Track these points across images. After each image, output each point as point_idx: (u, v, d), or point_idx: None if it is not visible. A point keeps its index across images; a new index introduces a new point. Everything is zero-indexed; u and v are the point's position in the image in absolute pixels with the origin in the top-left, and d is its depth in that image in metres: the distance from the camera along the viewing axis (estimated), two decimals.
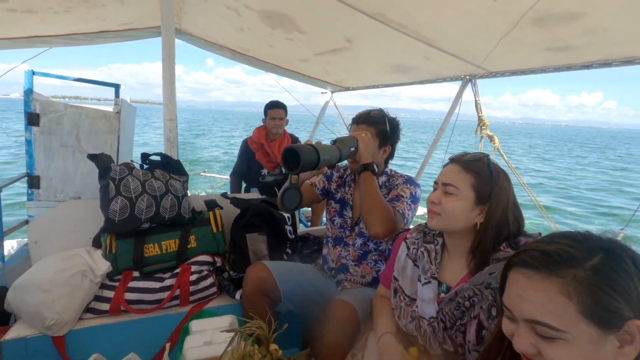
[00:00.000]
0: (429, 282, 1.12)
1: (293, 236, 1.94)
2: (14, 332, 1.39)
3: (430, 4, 1.43)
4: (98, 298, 1.52)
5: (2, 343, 1.35)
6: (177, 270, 1.62)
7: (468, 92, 2.36)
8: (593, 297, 0.52)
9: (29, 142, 3.07)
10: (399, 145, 1.64)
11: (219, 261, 1.75)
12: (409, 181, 1.54)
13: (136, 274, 1.58)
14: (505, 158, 2.42)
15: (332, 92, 3.91)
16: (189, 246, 1.68)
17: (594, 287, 0.52)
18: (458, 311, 1.05)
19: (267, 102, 2.98)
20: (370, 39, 1.97)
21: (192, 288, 1.61)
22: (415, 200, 1.49)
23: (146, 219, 1.60)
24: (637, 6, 1.09)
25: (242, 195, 2.04)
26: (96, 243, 1.72)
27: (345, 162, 1.54)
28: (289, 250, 1.88)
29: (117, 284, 1.54)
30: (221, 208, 1.86)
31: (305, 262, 1.85)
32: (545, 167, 21.04)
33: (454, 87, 2.57)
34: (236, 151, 3.32)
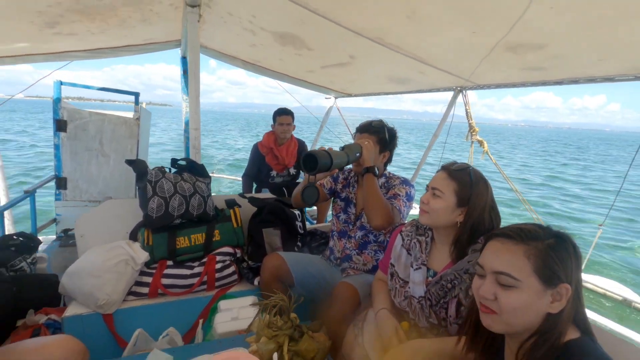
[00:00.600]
0: (420, 268, 1.37)
1: (303, 231, 2.21)
2: (71, 310, 1.66)
3: (419, 32, 1.69)
4: (138, 283, 1.78)
5: (63, 319, 1.62)
6: (204, 259, 1.89)
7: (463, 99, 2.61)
8: (543, 262, 0.77)
9: (57, 147, 3.36)
10: (402, 151, 1.90)
11: (238, 252, 2.02)
12: (405, 182, 1.80)
13: (170, 262, 1.84)
14: (494, 160, 2.67)
15: (336, 98, 4.16)
16: (213, 239, 1.94)
17: (546, 255, 0.77)
18: (442, 291, 1.30)
19: (268, 103, 3.30)
20: (371, 56, 2.23)
21: (217, 275, 1.88)
22: (410, 198, 1.75)
23: (178, 215, 1.86)
24: (584, 40, 1.35)
25: (258, 195, 2.30)
26: (133, 236, 1.98)
27: (350, 165, 1.79)
28: (299, 243, 2.14)
29: (154, 271, 1.81)
30: (240, 206, 2.12)
31: (313, 254, 2.11)
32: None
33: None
34: (240, 153, 3.57)
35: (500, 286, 0.80)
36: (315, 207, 3.69)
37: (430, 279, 1.35)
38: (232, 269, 1.94)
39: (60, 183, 3.39)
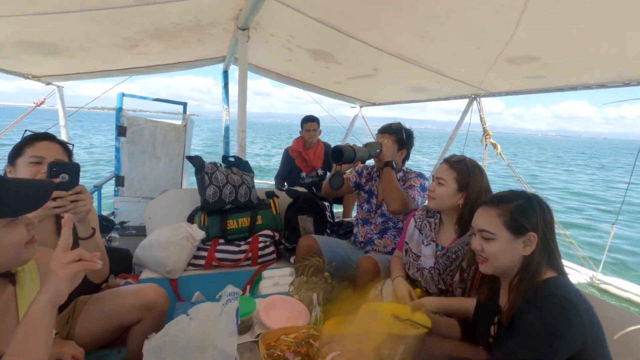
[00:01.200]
0: (430, 244, 1.67)
1: (331, 220, 2.53)
2: (145, 275, 2.05)
3: (433, 48, 2.01)
4: (196, 256, 2.16)
5: (140, 281, 2.01)
6: (249, 239, 2.25)
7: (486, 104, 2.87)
8: (511, 218, 1.05)
9: (117, 149, 3.87)
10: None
11: (277, 235, 2.37)
12: (420, 175, 2.10)
13: (221, 240, 2.22)
14: (507, 161, 2.91)
15: (361, 107, 4.50)
16: (257, 223, 2.30)
17: (513, 213, 1.06)
18: (448, 262, 1.59)
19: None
20: (393, 69, 2.56)
21: (259, 253, 2.23)
22: (424, 189, 2.04)
23: (229, 202, 2.24)
24: (573, 51, 1.62)
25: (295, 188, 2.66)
26: (190, 219, 2.37)
27: (373, 162, 2.11)
28: (328, 230, 2.47)
29: (208, 247, 2.18)
30: (278, 197, 2.48)
31: (340, 239, 2.42)
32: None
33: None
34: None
35: (484, 240, 1.10)
36: (341, 209, 4.01)
37: (438, 252, 1.64)
38: (271, 248, 2.29)
39: (119, 181, 3.89)
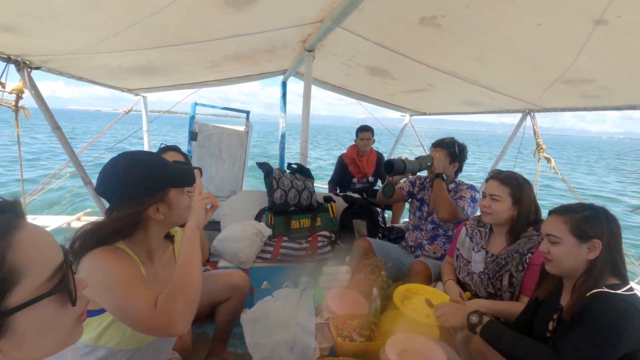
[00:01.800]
0: (480, 250, 1.82)
1: (383, 225, 2.74)
2: (222, 264, 2.40)
3: (487, 70, 2.14)
4: (263, 250, 2.48)
5: (218, 269, 2.36)
6: (309, 238, 2.53)
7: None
8: (578, 225, 1.19)
9: (189, 152, 4.35)
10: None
11: (333, 236, 2.62)
12: (471, 188, 2.24)
13: (285, 238, 2.52)
14: (561, 175, 2.93)
15: (411, 116, 4.64)
16: (316, 224, 2.58)
17: (579, 221, 1.20)
18: (497, 267, 1.73)
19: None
20: (447, 85, 2.71)
21: (318, 251, 2.50)
22: (474, 200, 2.18)
23: (293, 204, 2.53)
24: (630, 74, 1.70)
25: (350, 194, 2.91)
26: (258, 217, 2.71)
27: (426, 173, 2.29)
28: (380, 234, 2.68)
29: (274, 243, 2.49)
30: (335, 202, 2.73)
31: (392, 243, 2.62)
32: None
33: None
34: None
35: (550, 244, 1.25)
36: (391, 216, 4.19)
37: (488, 259, 1.79)
38: (328, 248, 2.55)
39: None
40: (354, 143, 3.95)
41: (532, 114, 2.82)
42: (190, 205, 1.12)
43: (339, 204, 2.77)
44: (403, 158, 2.17)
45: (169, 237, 1.27)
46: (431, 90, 2.98)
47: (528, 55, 1.76)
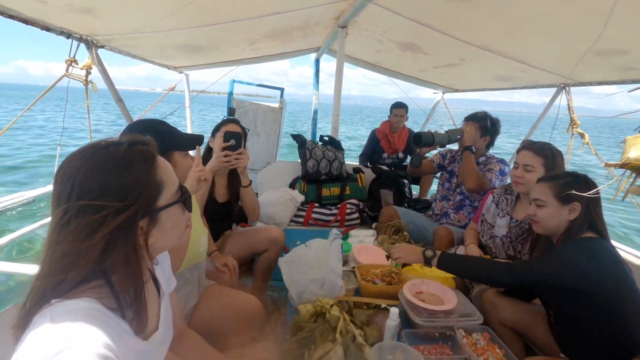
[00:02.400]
0: (504, 216, 1.93)
1: (410, 196, 2.87)
2: (259, 225, 2.66)
3: (519, 43, 2.17)
4: (296, 215, 2.71)
5: None
6: (339, 205, 2.72)
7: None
8: (560, 190, 1.32)
9: None
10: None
11: (361, 204, 2.80)
12: (501, 161, 2.31)
13: (316, 204, 2.72)
14: (594, 151, 2.89)
15: (443, 93, 4.62)
16: (345, 193, 2.76)
17: (561, 187, 1.32)
18: (520, 231, 1.84)
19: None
20: (478, 59, 2.73)
21: (347, 217, 2.69)
22: (503, 173, 2.26)
23: (324, 173, 2.72)
24: None
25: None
26: (291, 185, 2.93)
27: (457, 146, 2.40)
28: (406, 204, 2.82)
29: (306, 208, 2.71)
30: (363, 172, 2.89)
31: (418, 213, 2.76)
32: None
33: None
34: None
35: (537, 207, 1.37)
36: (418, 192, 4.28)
37: (512, 224, 1.89)
38: (357, 215, 2.73)
39: None
40: (387, 119, 4.04)
41: (567, 88, 2.79)
42: (189, 168, 1.31)
43: (368, 175, 2.93)
44: (432, 131, 2.28)
45: None
46: (463, 65, 3.00)
47: (557, 27, 1.79)
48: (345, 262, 1.80)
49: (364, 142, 4.16)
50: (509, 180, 2.16)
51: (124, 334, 0.65)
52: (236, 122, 1.91)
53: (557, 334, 1.34)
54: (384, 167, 3.07)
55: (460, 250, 2.09)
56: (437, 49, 2.87)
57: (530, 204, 1.42)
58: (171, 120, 1.61)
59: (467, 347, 1.17)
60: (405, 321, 1.34)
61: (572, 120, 2.88)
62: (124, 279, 0.66)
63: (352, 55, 4.00)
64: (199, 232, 1.45)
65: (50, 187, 5.11)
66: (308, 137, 3.52)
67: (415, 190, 3.88)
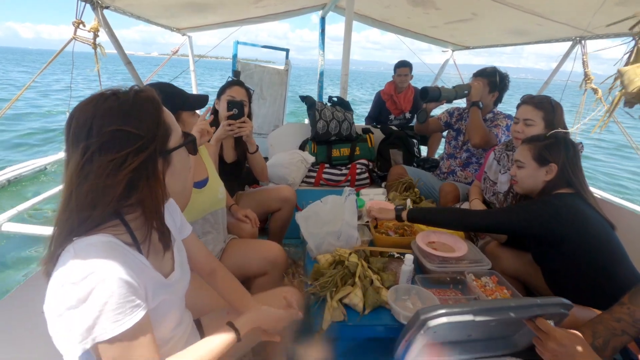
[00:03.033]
0: (506, 172, 1.97)
1: (418, 155, 2.90)
2: (270, 185, 2.73)
3: None
4: (307, 176, 2.77)
5: None
6: (349, 165, 2.77)
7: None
8: (538, 153, 1.36)
9: None
10: None
11: (371, 164, 2.84)
12: (508, 117, 2.31)
13: (327, 165, 2.78)
14: (606, 106, 2.87)
15: (453, 51, 4.50)
16: (355, 153, 2.80)
17: (539, 149, 1.36)
18: None
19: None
20: (492, 13, 2.64)
21: (357, 177, 2.75)
22: (509, 128, 2.27)
23: (334, 134, 2.75)
24: None
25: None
26: (301, 147, 2.96)
27: (464, 103, 2.38)
28: (415, 164, 2.86)
29: (317, 169, 2.76)
30: (372, 133, 2.91)
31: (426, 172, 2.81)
32: None
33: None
34: None
35: (517, 168, 1.42)
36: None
37: (513, 180, 1.94)
38: (366, 174, 2.79)
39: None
40: (391, 79, 3.98)
41: (583, 42, 2.72)
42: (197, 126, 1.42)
43: (377, 136, 2.95)
44: (439, 86, 2.27)
45: None
46: (475, 19, 2.91)
47: None
48: (359, 217, 1.88)
49: (368, 106, 4.14)
50: None
51: (143, 266, 0.73)
52: (240, 84, 1.93)
53: (549, 282, 1.44)
54: (393, 127, 3.08)
55: (465, 206, 2.16)
56: (449, 3, 2.77)
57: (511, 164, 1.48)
58: (176, 84, 1.63)
59: (477, 289, 1.26)
60: (418, 268, 1.44)
61: (586, 75, 2.83)
62: (147, 214, 0.71)
63: (360, 12, 3.86)
64: (217, 182, 1.55)
65: (61, 154, 5.18)
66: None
67: (424, 150, 3.91)
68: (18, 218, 3.20)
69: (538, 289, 1.56)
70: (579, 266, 1.27)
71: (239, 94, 1.88)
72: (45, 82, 19.76)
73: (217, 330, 0.84)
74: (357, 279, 1.24)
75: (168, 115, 0.76)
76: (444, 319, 0.91)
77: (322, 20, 4.69)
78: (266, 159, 3.10)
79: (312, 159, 2.76)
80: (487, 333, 1.09)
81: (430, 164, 2.94)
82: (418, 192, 2.04)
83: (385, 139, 2.87)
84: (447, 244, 1.52)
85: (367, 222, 1.77)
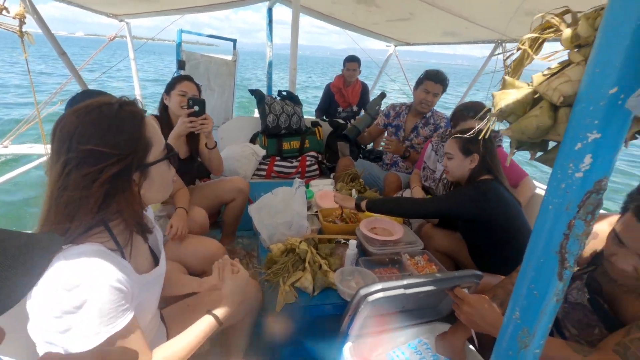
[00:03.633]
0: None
1: (364, 147, 3.09)
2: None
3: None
4: (259, 169, 2.83)
5: None
6: (299, 158, 2.87)
7: None
8: (463, 145, 1.59)
9: None
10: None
11: (320, 156, 2.98)
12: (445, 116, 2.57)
13: (278, 158, 2.86)
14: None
15: (395, 46, 4.75)
16: (305, 146, 2.91)
17: (464, 142, 1.59)
18: None
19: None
20: (426, 15, 2.87)
21: (307, 169, 2.87)
22: (447, 125, 2.53)
23: (284, 127, 2.83)
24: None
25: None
26: (252, 140, 3.00)
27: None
28: (361, 155, 3.04)
29: (268, 162, 2.83)
30: (321, 126, 3.04)
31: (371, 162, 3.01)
32: None
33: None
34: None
35: (447, 159, 1.65)
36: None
37: None
38: (316, 166, 2.92)
39: None
40: (340, 73, 4.13)
41: (503, 44, 3.06)
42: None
43: (325, 129, 3.08)
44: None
45: None
46: (413, 19, 3.13)
47: None
48: (308, 208, 2.00)
49: (319, 94, 4.26)
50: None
51: (128, 271, 0.78)
52: (190, 79, 1.92)
53: (472, 256, 1.69)
54: (340, 121, 3.23)
55: (407, 194, 2.38)
56: (389, 3, 2.95)
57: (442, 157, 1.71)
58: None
59: (410, 267, 1.46)
60: (362, 252, 1.60)
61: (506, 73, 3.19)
62: (125, 224, 0.77)
63: (307, 5, 3.93)
64: None
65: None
66: (263, 90, 3.52)
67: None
68: None
69: (464, 262, 1.81)
70: (497, 240, 1.52)
71: (190, 89, 1.87)
72: None
73: (180, 320, 0.92)
74: (307, 265, 1.37)
75: (151, 128, 0.79)
76: (380, 294, 1.07)
77: (270, 11, 4.65)
78: None
79: (262, 152, 2.82)
80: (417, 303, 1.28)
81: (374, 155, 3.15)
82: (362, 183, 2.22)
83: (333, 132, 3.01)
84: (386, 229, 1.70)
85: (316, 211, 1.90)
